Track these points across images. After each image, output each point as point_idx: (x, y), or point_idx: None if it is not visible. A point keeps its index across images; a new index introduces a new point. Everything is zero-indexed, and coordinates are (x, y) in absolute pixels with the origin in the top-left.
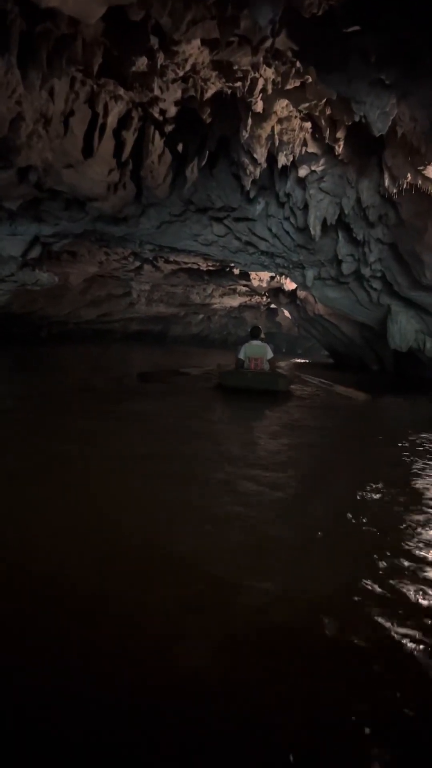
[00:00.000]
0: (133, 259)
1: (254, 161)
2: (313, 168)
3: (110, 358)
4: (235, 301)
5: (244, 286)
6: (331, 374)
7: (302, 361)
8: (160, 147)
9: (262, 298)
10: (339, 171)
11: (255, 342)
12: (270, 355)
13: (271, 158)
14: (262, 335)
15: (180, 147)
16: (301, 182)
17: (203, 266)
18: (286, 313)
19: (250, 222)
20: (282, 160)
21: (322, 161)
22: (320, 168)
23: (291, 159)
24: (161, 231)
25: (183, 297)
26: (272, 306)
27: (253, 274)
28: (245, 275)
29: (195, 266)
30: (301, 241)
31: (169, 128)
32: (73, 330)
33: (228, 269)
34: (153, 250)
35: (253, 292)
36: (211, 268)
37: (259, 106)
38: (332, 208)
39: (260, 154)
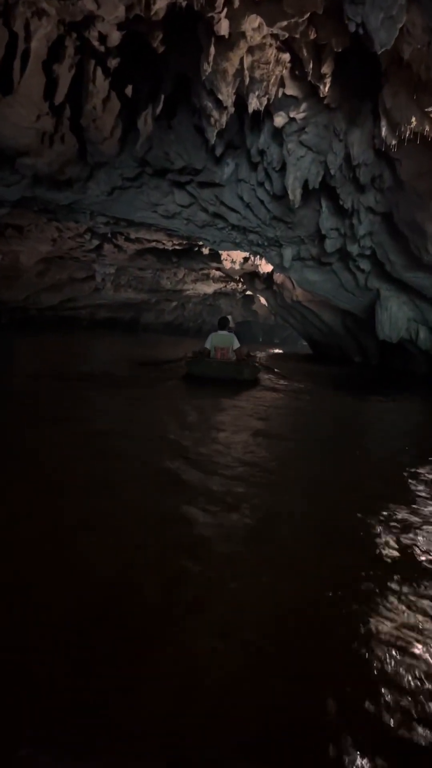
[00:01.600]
0: (90, 237)
1: (219, 105)
2: (292, 115)
3: (62, 349)
4: (209, 288)
5: (216, 269)
6: (305, 366)
7: (278, 351)
8: (104, 89)
9: (237, 285)
10: (324, 119)
11: (221, 332)
12: (236, 344)
13: (241, 103)
14: (230, 325)
15: (129, 90)
16: (278, 135)
17: (168, 245)
18: (263, 301)
19: (217, 188)
20: (254, 103)
21: (303, 107)
22: (301, 115)
23: (265, 103)
24: (114, 199)
25: (153, 282)
26: (248, 293)
27: (224, 254)
28: (216, 256)
29: (160, 245)
30: (278, 213)
31: (113, 63)
32: (36, 317)
33: (197, 249)
34: (108, 224)
35: (228, 278)
36: (177, 247)
37: (223, 27)
38: (315, 167)
39: (226, 94)
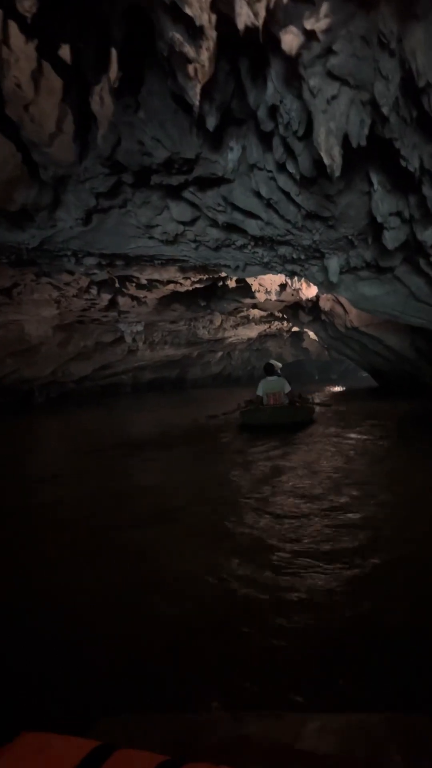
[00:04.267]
0: (98, 291)
1: (193, 31)
2: (309, 27)
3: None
4: (252, 332)
5: (251, 305)
6: (368, 406)
7: (337, 389)
8: (27, 54)
9: (282, 323)
10: (361, 25)
11: (270, 378)
12: (287, 388)
13: (227, 33)
14: (278, 369)
15: (67, 53)
16: (293, 73)
17: (187, 284)
18: (312, 335)
19: (224, 186)
20: (244, 14)
21: (324, 9)
22: (323, 24)
23: (262, 13)
24: (95, 229)
25: (189, 335)
26: (295, 329)
27: (255, 285)
28: (246, 289)
29: (179, 287)
30: (312, 206)
31: (28, 6)
32: (74, 390)
33: (221, 284)
34: (101, 266)
35: (270, 316)
36: (198, 285)
37: None
38: (356, 111)
39: (198, 7)
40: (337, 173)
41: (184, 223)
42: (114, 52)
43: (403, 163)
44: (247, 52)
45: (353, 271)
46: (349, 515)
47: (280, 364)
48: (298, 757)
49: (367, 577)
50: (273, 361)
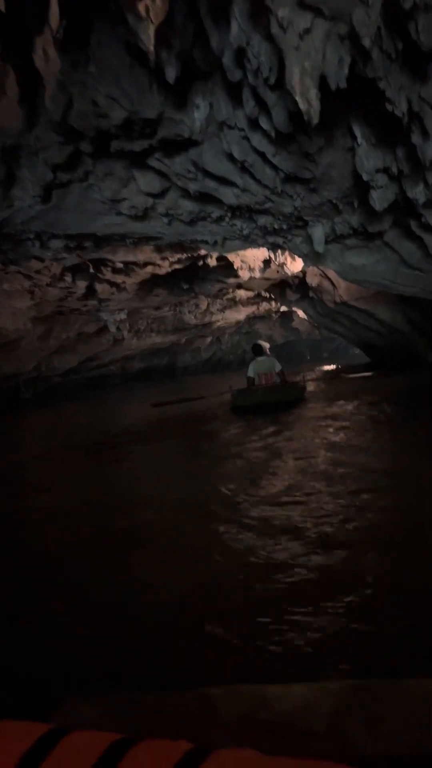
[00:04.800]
0: (72, 278)
1: None
2: None
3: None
4: (240, 314)
5: (235, 285)
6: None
7: (329, 368)
8: None
9: (270, 305)
10: None
11: (260, 358)
12: (278, 367)
13: None
14: (266, 350)
15: None
16: (258, 3)
17: (165, 266)
18: (301, 314)
19: (193, 150)
20: None
21: None
22: None
23: None
24: (56, 206)
25: (175, 320)
26: (283, 309)
27: (237, 262)
28: (228, 268)
29: (157, 267)
30: (291, 167)
31: None
32: (60, 384)
33: (201, 263)
34: (68, 249)
35: (257, 297)
36: (177, 266)
37: None
38: (334, 47)
39: None
40: (315, 120)
41: (153, 195)
42: None
43: (389, 108)
44: None
45: (340, 240)
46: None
47: (268, 344)
48: (262, 726)
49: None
50: (261, 342)
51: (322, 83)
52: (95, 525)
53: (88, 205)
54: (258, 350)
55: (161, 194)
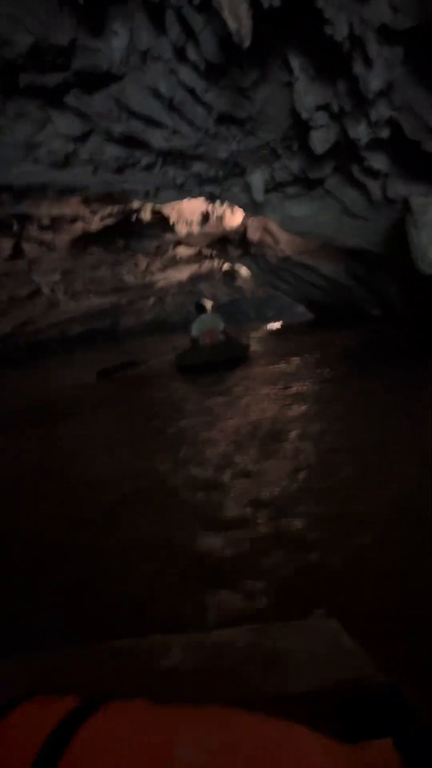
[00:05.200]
0: None
1: None
2: None
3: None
4: (181, 274)
5: (174, 243)
6: (306, 340)
7: (274, 327)
8: None
9: (213, 264)
10: None
11: (203, 316)
12: (222, 325)
13: None
14: (209, 308)
15: None
16: None
17: (96, 221)
18: (245, 272)
19: (114, 85)
20: None
21: None
22: None
23: None
24: None
25: (114, 280)
26: (226, 268)
27: (173, 214)
28: (164, 222)
29: (86, 224)
30: (224, 105)
31: None
32: None
33: (134, 218)
34: None
35: (199, 257)
36: (109, 222)
37: None
38: None
39: None
40: (247, 42)
41: (73, 140)
42: None
43: (329, 31)
44: None
45: (280, 188)
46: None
47: (211, 302)
48: (161, 676)
49: None
50: (203, 300)
51: (254, 1)
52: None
53: (1, 151)
54: (201, 308)
55: (82, 138)
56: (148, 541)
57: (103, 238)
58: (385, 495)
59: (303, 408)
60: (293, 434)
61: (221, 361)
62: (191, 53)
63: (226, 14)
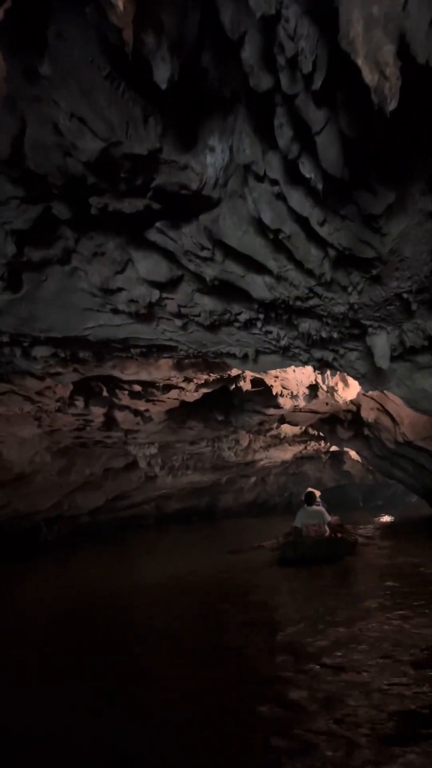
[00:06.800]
0: (85, 403)
1: None
2: None
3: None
4: (286, 453)
5: (277, 418)
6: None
7: (386, 519)
8: None
9: (320, 444)
10: None
11: (309, 508)
12: (327, 518)
13: None
14: (318, 499)
15: None
16: None
17: (190, 388)
18: (354, 455)
19: (207, 213)
20: None
21: None
22: None
23: None
24: (29, 297)
25: (214, 457)
26: (334, 449)
27: (276, 385)
28: (266, 393)
29: (182, 392)
30: (345, 238)
31: None
32: (90, 523)
33: (233, 386)
34: (63, 362)
35: (305, 435)
36: (205, 390)
37: None
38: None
39: None
40: (393, 104)
41: (158, 285)
42: None
43: None
44: None
45: (410, 355)
46: None
47: (319, 492)
48: None
49: None
50: (312, 489)
51: (402, 49)
52: None
53: (73, 297)
54: (310, 499)
55: (170, 285)
56: None
57: (201, 410)
58: None
59: None
60: None
61: (324, 557)
62: (306, 167)
63: (361, 59)
